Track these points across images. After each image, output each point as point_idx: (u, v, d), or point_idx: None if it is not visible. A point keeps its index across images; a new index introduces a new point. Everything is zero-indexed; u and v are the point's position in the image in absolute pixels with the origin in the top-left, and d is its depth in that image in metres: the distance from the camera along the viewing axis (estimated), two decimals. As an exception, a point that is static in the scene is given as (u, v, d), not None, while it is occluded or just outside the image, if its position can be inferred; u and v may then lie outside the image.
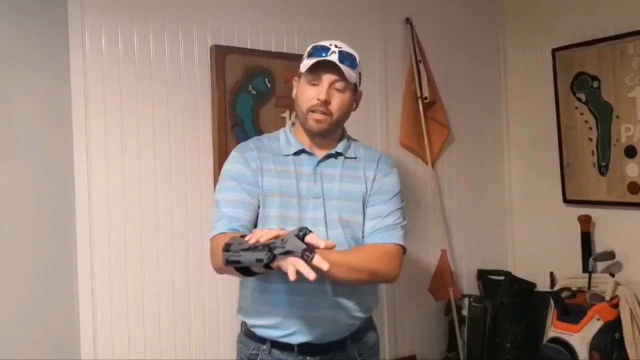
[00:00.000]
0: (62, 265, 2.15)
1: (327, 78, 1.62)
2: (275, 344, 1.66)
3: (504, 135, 3.49)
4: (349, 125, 1.79)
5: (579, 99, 3.09)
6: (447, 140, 3.16)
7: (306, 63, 1.63)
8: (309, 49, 1.66)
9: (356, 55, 1.66)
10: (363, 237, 1.71)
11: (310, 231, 1.31)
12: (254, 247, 1.33)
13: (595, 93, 3.02)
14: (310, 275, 1.26)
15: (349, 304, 1.66)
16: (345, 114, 1.69)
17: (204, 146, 2.44)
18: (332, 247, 1.32)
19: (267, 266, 1.32)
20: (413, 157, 3.08)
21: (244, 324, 1.76)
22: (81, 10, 2.18)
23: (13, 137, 2.06)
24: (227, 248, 1.38)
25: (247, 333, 1.74)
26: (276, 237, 1.32)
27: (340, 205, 1.67)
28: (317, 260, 1.28)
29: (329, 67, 1.60)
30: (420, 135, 3.02)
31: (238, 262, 1.36)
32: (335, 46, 1.62)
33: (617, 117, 2.94)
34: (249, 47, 2.52)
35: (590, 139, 3.06)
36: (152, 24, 2.33)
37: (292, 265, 1.26)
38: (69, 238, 2.16)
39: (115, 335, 2.23)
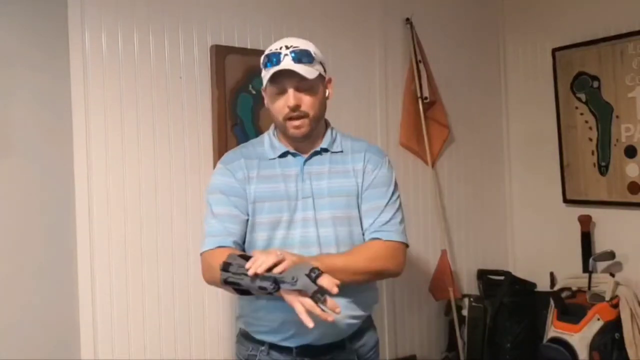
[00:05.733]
0: (62, 265, 2.15)
1: (289, 84, 1.58)
2: (274, 346, 1.66)
3: (504, 135, 3.49)
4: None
5: (579, 99, 3.09)
6: (447, 140, 3.16)
7: (264, 75, 1.61)
8: (262, 58, 1.62)
9: (310, 48, 1.60)
10: (363, 233, 1.70)
11: (321, 273, 1.30)
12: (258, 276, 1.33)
13: (595, 93, 3.02)
14: (329, 318, 1.29)
15: (347, 302, 1.63)
16: (321, 108, 1.65)
17: (204, 146, 2.44)
18: (336, 292, 1.31)
19: (269, 293, 1.34)
20: (413, 157, 3.08)
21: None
22: (81, 10, 2.18)
23: (13, 136, 2.06)
24: (225, 268, 1.39)
25: (245, 335, 1.74)
26: (276, 264, 1.33)
27: (331, 203, 1.64)
28: (330, 303, 1.30)
29: (287, 72, 1.56)
30: (420, 135, 3.02)
31: (237, 284, 1.37)
32: (286, 47, 1.57)
33: (617, 117, 2.94)
34: (249, 47, 2.52)
35: (590, 139, 3.06)
36: (152, 24, 2.33)
37: (301, 305, 1.30)
38: (69, 238, 2.16)
39: (115, 335, 2.22)
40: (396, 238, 1.66)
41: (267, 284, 1.32)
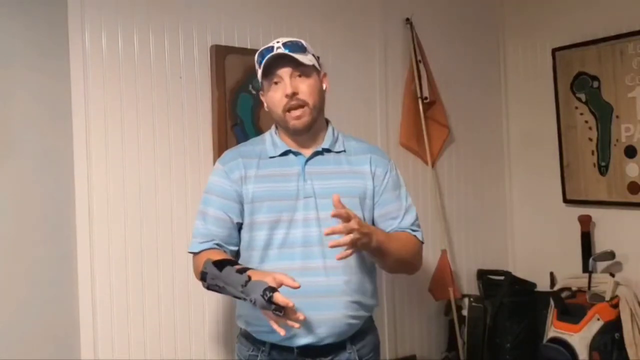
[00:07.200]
0: (62, 265, 2.15)
1: (284, 71, 1.60)
2: (275, 346, 1.66)
3: (504, 135, 3.49)
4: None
5: (579, 99, 3.09)
6: (447, 140, 3.16)
7: (260, 73, 1.64)
8: (256, 57, 1.66)
9: (303, 41, 1.64)
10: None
11: (274, 292, 1.37)
12: (227, 285, 1.45)
13: (595, 93, 3.02)
14: (295, 325, 1.41)
15: (348, 303, 1.65)
16: (320, 97, 1.66)
17: (204, 146, 2.44)
18: (297, 287, 1.40)
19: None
20: (413, 157, 3.08)
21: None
22: (81, 10, 2.17)
23: (13, 136, 2.06)
24: (203, 277, 1.52)
25: (246, 335, 1.74)
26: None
27: None
28: (291, 315, 1.39)
29: (281, 61, 1.59)
30: (420, 135, 3.02)
31: (218, 292, 1.51)
32: (278, 42, 1.62)
33: (617, 117, 2.94)
34: (249, 47, 2.51)
35: (590, 139, 3.06)
36: (152, 24, 2.33)
37: (274, 322, 1.41)
38: (69, 238, 2.16)
39: (115, 335, 2.22)
40: (422, 238, 1.77)
41: (237, 294, 1.44)
